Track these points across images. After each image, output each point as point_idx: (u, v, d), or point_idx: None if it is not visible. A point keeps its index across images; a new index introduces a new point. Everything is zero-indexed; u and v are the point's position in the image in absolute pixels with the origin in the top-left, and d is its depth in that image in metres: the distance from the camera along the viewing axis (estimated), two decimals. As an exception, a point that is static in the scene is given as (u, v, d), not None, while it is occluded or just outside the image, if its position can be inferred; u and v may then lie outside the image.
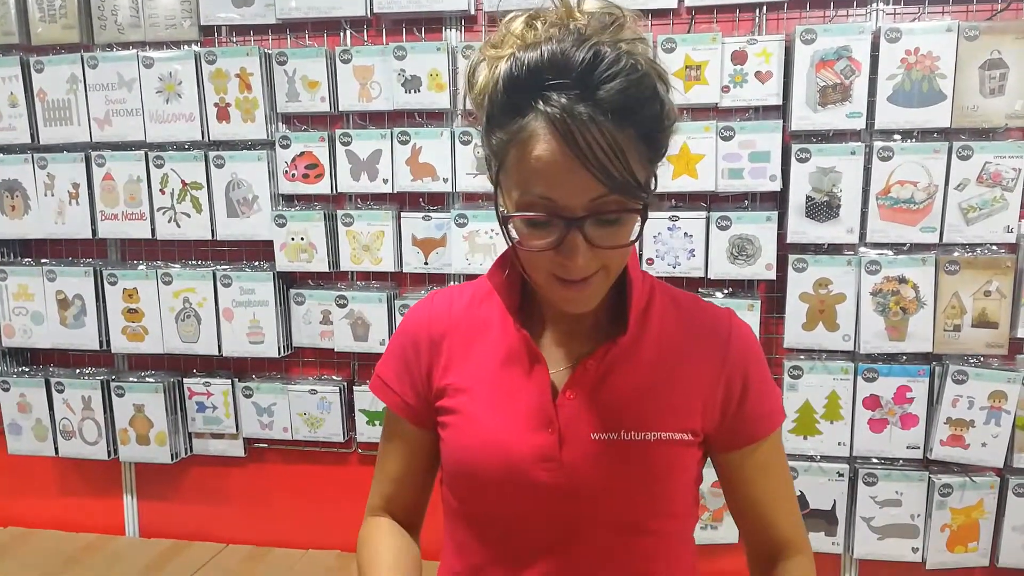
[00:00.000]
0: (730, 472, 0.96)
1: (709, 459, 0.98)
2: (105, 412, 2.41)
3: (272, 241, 2.25)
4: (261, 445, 2.44)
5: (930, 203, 1.93)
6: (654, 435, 0.87)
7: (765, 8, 2.01)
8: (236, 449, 2.43)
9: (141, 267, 2.36)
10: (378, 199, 2.26)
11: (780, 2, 2.00)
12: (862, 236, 1.97)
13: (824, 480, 2.05)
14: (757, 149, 1.98)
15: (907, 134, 1.95)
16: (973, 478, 1.99)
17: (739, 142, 1.98)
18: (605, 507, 0.87)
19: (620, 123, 0.74)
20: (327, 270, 2.25)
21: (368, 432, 2.31)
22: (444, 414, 0.94)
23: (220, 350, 2.32)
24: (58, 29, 2.32)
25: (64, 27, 2.31)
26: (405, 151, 2.16)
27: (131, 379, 2.40)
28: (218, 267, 2.31)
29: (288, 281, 2.33)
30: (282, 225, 2.23)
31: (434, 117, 2.20)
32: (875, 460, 2.06)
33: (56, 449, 2.47)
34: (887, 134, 1.96)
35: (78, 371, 2.48)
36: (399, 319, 2.20)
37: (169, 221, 2.31)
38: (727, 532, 2.13)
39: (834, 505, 2.06)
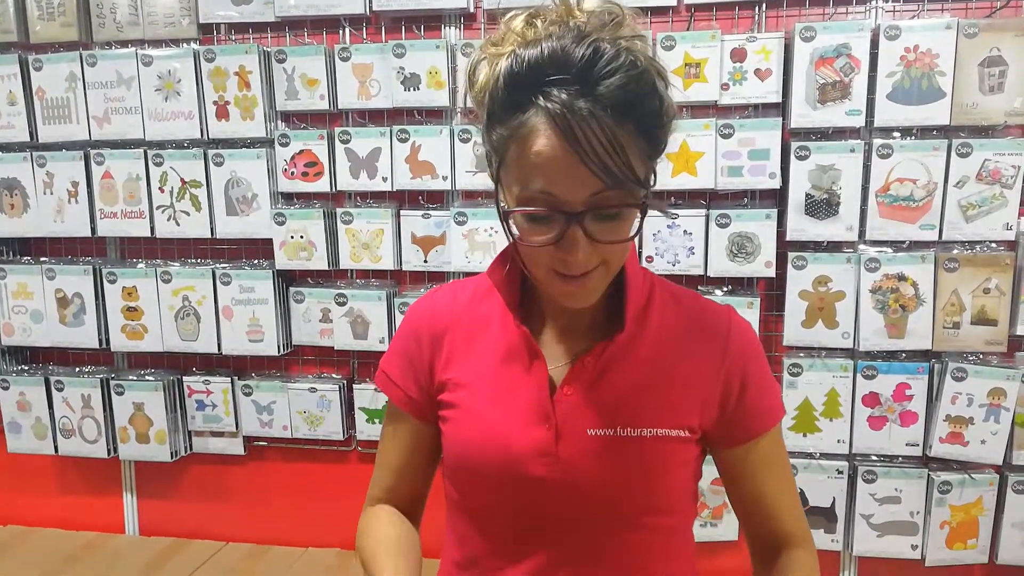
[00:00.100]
0: (731, 468, 0.96)
1: (709, 456, 0.99)
2: (105, 410, 2.41)
3: (271, 239, 2.25)
4: (261, 443, 2.44)
5: (929, 201, 1.93)
6: (650, 431, 0.88)
7: (764, 5, 2.01)
8: (236, 447, 2.43)
9: (140, 265, 2.36)
10: (377, 197, 2.25)
11: (779, -1, 2.00)
12: (861, 234, 1.98)
13: (823, 477, 2.06)
14: (756, 147, 1.98)
15: (906, 131, 1.95)
16: (972, 475, 2.00)
17: (738, 140, 1.98)
18: (601, 501, 0.88)
19: (619, 118, 0.75)
20: (327, 268, 2.25)
21: (368, 430, 2.31)
22: (445, 408, 0.95)
23: (220, 348, 2.32)
24: (57, 27, 2.32)
25: (63, 25, 2.31)
26: (404, 149, 2.15)
27: (131, 377, 2.40)
28: (217, 265, 2.31)
29: (288, 279, 2.33)
30: (281, 223, 2.23)
31: (433, 115, 2.20)
32: (874, 457, 2.06)
33: (56, 447, 2.47)
34: (886, 131, 1.95)
35: (78, 369, 2.48)
36: (399, 317, 2.20)
37: (168, 219, 2.31)
38: (727, 529, 2.13)
39: (833, 502, 2.06)
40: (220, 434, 2.43)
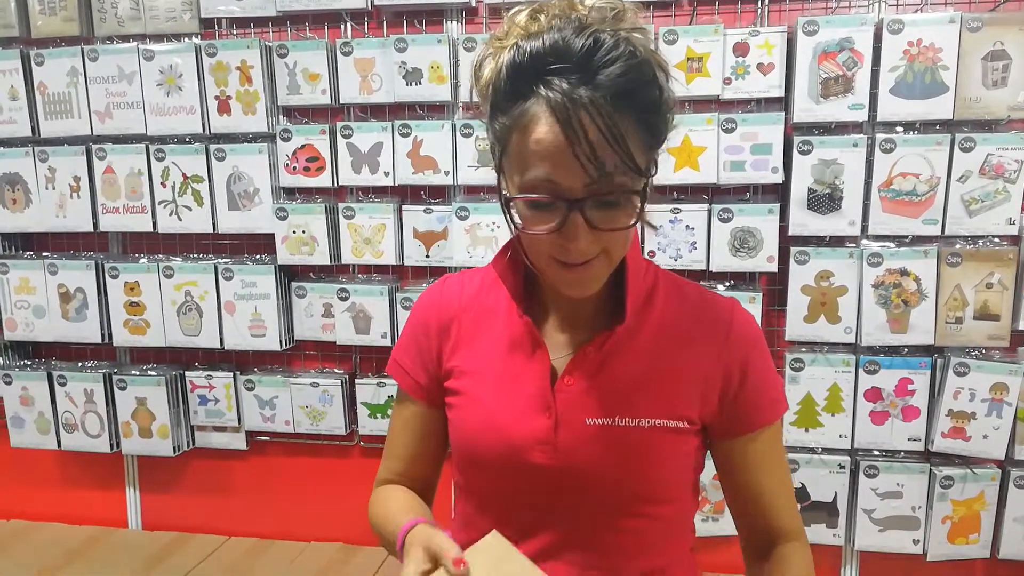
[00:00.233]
0: (729, 461, 0.97)
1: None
2: (107, 405, 2.42)
3: (273, 234, 2.25)
4: (263, 438, 2.45)
5: (932, 195, 1.92)
6: (648, 422, 0.89)
7: (767, -1, 2.01)
8: (238, 442, 2.44)
9: (142, 260, 2.36)
10: (379, 192, 2.26)
11: (782, -7, 1.99)
12: (864, 228, 1.97)
13: (825, 472, 2.06)
14: (759, 141, 1.98)
15: (909, 126, 1.94)
16: (974, 470, 2.00)
17: (741, 134, 1.98)
18: (598, 489, 0.90)
19: (619, 107, 0.76)
20: (328, 263, 2.25)
21: (370, 425, 2.32)
22: (450, 395, 0.98)
23: (222, 343, 2.33)
24: (58, 22, 2.31)
25: (64, 20, 2.31)
26: (406, 144, 2.15)
27: (133, 372, 2.40)
28: (219, 260, 2.31)
29: (289, 274, 2.33)
30: (283, 218, 2.23)
31: (435, 110, 2.19)
32: (876, 452, 2.06)
33: (59, 442, 2.48)
34: (889, 126, 1.95)
35: (80, 364, 2.48)
36: (401, 312, 2.21)
37: (170, 214, 2.31)
38: (728, 524, 2.13)
39: (835, 497, 2.06)
40: (222, 429, 2.43)
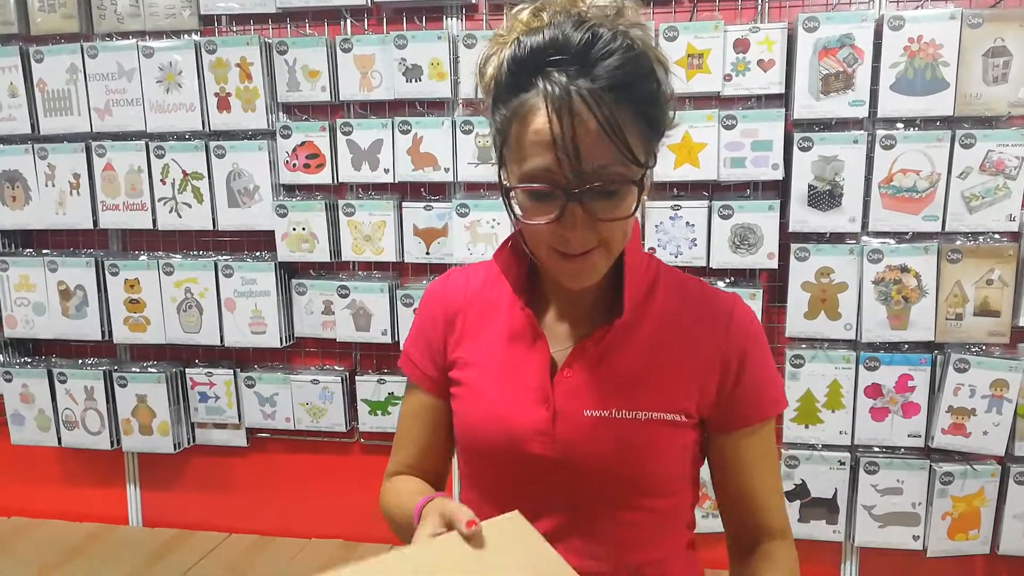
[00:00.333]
0: (723, 456, 0.97)
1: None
2: (108, 402, 2.42)
3: (273, 231, 2.25)
4: (264, 435, 2.45)
5: (933, 192, 1.92)
6: (645, 415, 0.90)
7: (767, -4, 2.00)
8: (239, 439, 2.44)
9: (142, 257, 2.36)
10: (379, 189, 2.25)
11: (783, -10, 1.99)
12: (864, 225, 1.97)
13: (825, 469, 2.06)
14: (759, 138, 1.98)
15: (910, 122, 1.94)
16: (974, 466, 2.00)
17: (741, 131, 1.98)
18: (595, 480, 0.91)
19: (617, 98, 0.79)
20: (328, 260, 2.25)
21: (370, 422, 2.32)
22: (454, 386, 1.00)
23: (222, 340, 2.33)
24: (57, 19, 2.31)
25: (63, 17, 2.30)
26: (406, 140, 2.15)
27: (133, 369, 2.40)
28: (219, 257, 2.31)
29: (290, 271, 2.33)
30: (283, 215, 2.23)
31: (435, 106, 2.19)
32: (876, 448, 2.06)
33: (59, 439, 2.48)
34: (890, 122, 1.95)
35: (80, 361, 2.48)
36: (401, 309, 2.21)
37: (170, 211, 2.31)
38: (729, 520, 2.14)
39: (835, 494, 2.07)
40: (223, 426, 2.43)
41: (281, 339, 2.30)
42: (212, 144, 2.25)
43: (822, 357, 2.02)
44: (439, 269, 2.25)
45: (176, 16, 2.26)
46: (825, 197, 1.96)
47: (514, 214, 0.85)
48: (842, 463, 2.05)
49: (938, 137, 1.90)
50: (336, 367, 2.37)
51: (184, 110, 2.25)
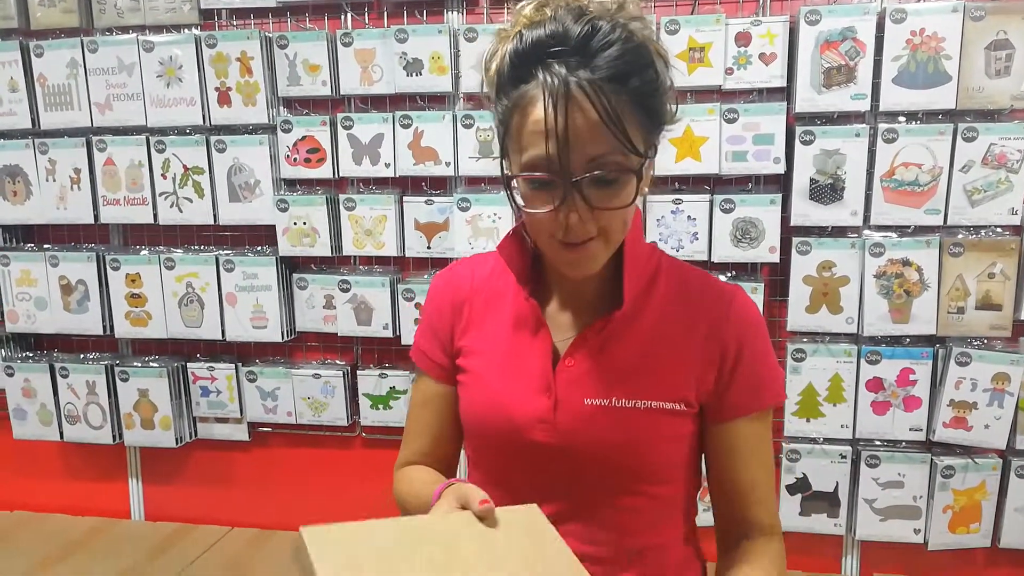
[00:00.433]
0: (716, 444, 0.98)
1: None
2: (109, 397, 2.42)
3: (274, 226, 2.25)
4: (265, 429, 2.45)
5: (935, 185, 1.92)
6: (644, 404, 0.92)
7: (769, -11, 2.00)
8: (240, 433, 2.44)
9: (144, 252, 2.36)
10: (380, 183, 2.25)
11: (784, -17, 1.98)
12: (866, 219, 1.97)
13: (827, 462, 2.06)
14: (761, 131, 1.97)
15: (912, 116, 1.94)
16: (975, 460, 2.00)
17: (743, 124, 1.97)
18: (595, 467, 0.93)
19: (616, 88, 0.81)
20: (330, 255, 2.25)
21: (372, 416, 2.32)
22: (460, 373, 1.03)
23: (223, 335, 2.33)
24: (57, 13, 2.31)
25: (63, 11, 2.30)
26: (407, 135, 2.15)
27: (135, 364, 2.41)
28: (220, 252, 2.31)
29: (291, 266, 2.33)
30: (284, 210, 2.23)
31: (436, 100, 2.19)
32: (878, 442, 2.06)
33: (61, 434, 2.48)
34: (892, 116, 1.94)
35: (82, 356, 2.48)
36: (402, 303, 2.21)
37: (171, 206, 2.31)
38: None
39: (836, 487, 2.07)
40: (224, 420, 2.44)
41: (282, 333, 2.30)
42: (213, 139, 2.25)
43: (823, 351, 2.02)
44: (440, 263, 2.25)
45: (176, 10, 2.26)
46: (827, 191, 1.96)
47: (516, 204, 0.87)
48: (843, 457, 2.05)
49: (940, 131, 1.90)
50: (337, 361, 2.37)
51: (184, 104, 2.25)
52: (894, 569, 2.15)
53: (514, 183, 0.87)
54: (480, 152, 2.11)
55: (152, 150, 2.29)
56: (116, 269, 2.35)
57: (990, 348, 1.95)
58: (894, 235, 1.97)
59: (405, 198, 2.20)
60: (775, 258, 2.01)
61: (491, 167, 2.11)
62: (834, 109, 1.94)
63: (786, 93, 1.99)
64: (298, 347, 2.41)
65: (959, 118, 1.92)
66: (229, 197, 2.27)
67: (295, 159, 2.22)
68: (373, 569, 0.73)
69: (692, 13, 2.01)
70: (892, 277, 1.95)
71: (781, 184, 2.03)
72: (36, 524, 2.54)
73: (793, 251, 1.99)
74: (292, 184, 2.29)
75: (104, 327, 2.40)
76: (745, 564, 0.95)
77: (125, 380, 2.39)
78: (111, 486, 2.60)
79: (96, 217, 2.36)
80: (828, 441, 2.07)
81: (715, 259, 2.03)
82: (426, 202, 2.18)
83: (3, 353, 2.51)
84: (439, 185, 2.22)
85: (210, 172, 2.27)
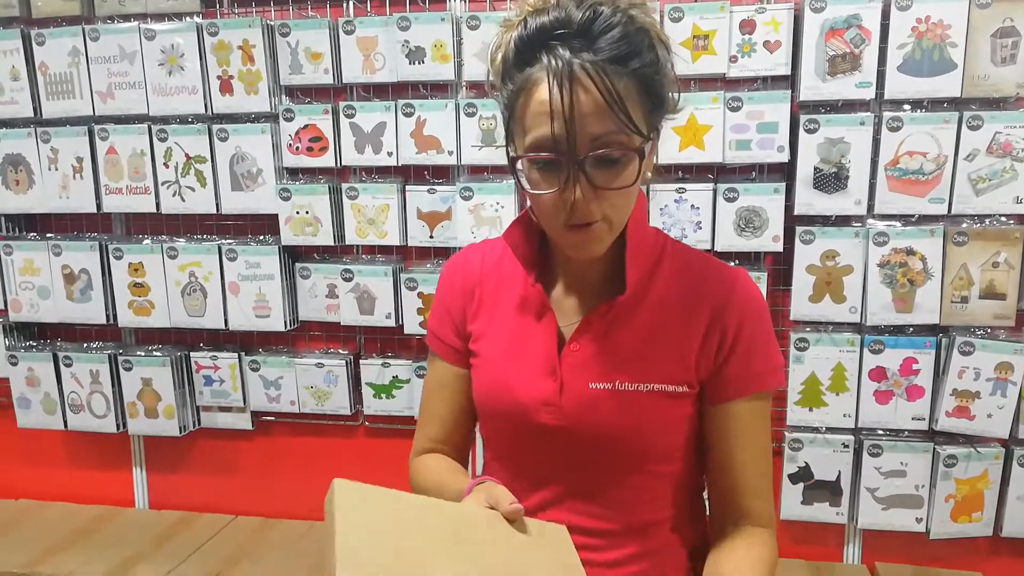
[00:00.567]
0: (712, 426, 0.98)
1: None
2: (113, 386, 2.43)
3: (277, 215, 2.25)
4: (268, 418, 2.46)
5: (939, 174, 1.91)
6: (648, 387, 0.94)
7: (774, -24, 1.98)
8: (244, 422, 2.45)
9: (146, 241, 2.36)
10: (383, 172, 2.25)
11: (789, -30, 1.97)
12: (870, 207, 1.96)
13: (829, 451, 2.06)
14: (765, 120, 1.96)
15: (917, 104, 1.93)
16: (978, 449, 2.00)
17: (747, 113, 1.97)
18: (599, 447, 0.96)
19: (618, 69, 0.83)
20: (332, 244, 2.25)
21: (375, 405, 2.32)
22: (472, 356, 1.06)
23: (227, 324, 2.33)
24: (59, 1, 2.30)
25: (65, -1, 2.29)
26: (410, 123, 2.14)
27: (139, 353, 2.41)
28: (223, 241, 2.31)
29: (293, 255, 2.33)
30: (287, 199, 2.23)
31: (439, 89, 2.18)
32: (880, 431, 2.06)
33: (65, 423, 2.49)
34: (897, 104, 1.93)
35: (85, 345, 2.49)
36: (405, 292, 2.21)
37: (174, 195, 2.31)
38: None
39: (839, 476, 2.07)
40: (228, 409, 2.44)
41: (285, 323, 2.30)
42: (215, 127, 2.25)
43: (827, 340, 2.02)
44: (443, 253, 2.25)
45: (178, -2, 2.25)
46: (831, 179, 1.95)
47: (522, 186, 0.89)
48: (846, 446, 2.06)
49: (945, 119, 1.89)
50: (340, 351, 2.37)
51: (186, 93, 2.24)
52: (896, 558, 2.15)
53: (519, 165, 0.88)
54: (483, 141, 2.11)
55: (154, 139, 2.29)
56: (119, 258, 2.35)
57: (993, 337, 1.95)
58: (898, 224, 1.96)
59: (408, 187, 2.19)
60: (779, 247, 2.00)
61: (494, 156, 2.11)
62: (838, 97, 1.93)
63: (790, 81, 1.98)
64: (301, 336, 2.41)
65: (964, 106, 1.91)
66: (231, 186, 2.27)
67: (297, 148, 2.22)
68: (389, 532, 0.76)
69: (696, 0, 2.00)
70: (896, 266, 1.95)
71: (785, 173, 2.02)
72: (40, 512, 2.56)
73: (797, 240, 1.99)
74: (294, 173, 2.29)
75: (107, 316, 2.40)
76: (723, 554, 0.95)
77: (128, 369, 2.40)
78: (115, 475, 2.61)
79: (99, 206, 2.36)
80: (830, 430, 2.07)
81: (718, 248, 2.03)
82: (429, 191, 2.18)
83: (7, 342, 2.52)
84: (442, 174, 2.21)
85: (212, 161, 2.26)
